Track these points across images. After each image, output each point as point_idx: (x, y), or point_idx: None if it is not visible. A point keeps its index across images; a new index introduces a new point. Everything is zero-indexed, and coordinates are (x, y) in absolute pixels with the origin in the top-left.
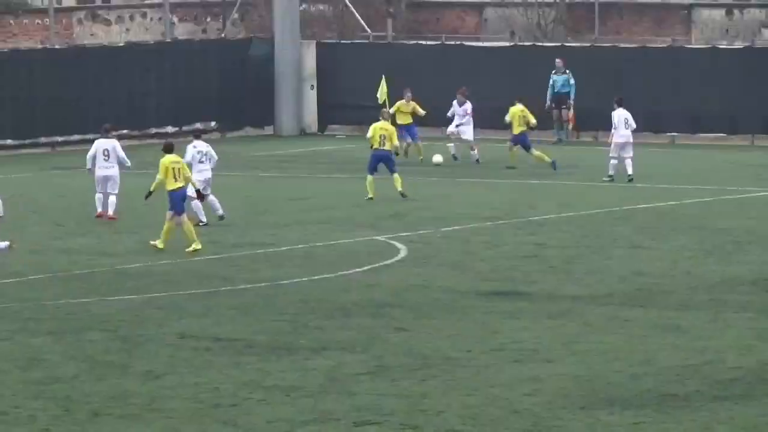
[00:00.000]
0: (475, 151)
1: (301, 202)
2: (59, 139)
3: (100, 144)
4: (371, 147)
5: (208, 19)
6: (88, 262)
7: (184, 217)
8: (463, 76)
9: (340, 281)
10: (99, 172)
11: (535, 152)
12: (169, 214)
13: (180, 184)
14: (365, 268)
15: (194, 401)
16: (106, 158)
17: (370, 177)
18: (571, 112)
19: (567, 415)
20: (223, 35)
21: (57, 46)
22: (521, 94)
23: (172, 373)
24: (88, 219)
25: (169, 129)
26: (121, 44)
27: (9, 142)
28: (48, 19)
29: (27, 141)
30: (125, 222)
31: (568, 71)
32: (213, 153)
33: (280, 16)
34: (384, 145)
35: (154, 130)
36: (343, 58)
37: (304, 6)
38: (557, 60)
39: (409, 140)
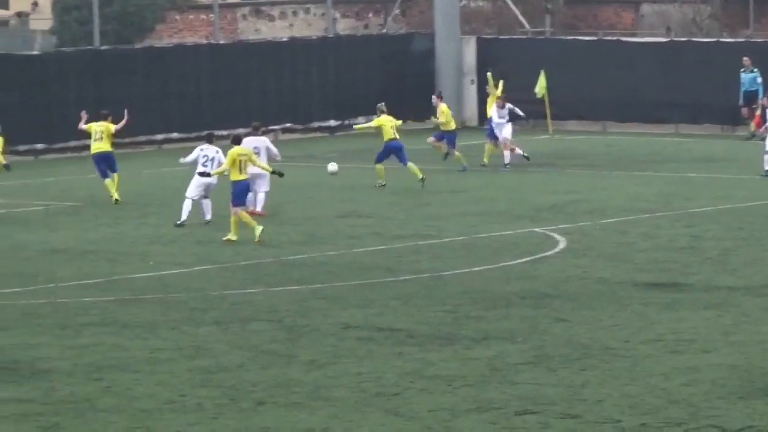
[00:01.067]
0: (514, 151)
1: (462, 194)
2: (224, 132)
3: (250, 142)
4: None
5: (370, 15)
6: (252, 253)
7: (242, 210)
8: (620, 72)
9: (500, 272)
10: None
11: (456, 153)
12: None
13: (244, 177)
14: (525, 259)
15: (357, 390)
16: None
17: (379, 165)
18: (758, 111)
19: (724, 404)
20: (384, 31)
21: (221, 42)
22: (677, 89)
23: (335, 362)
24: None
25: (332, 123)
26: (285, 39)
27: (175, 135)
28: (213, 15)
29: (192, 134)
30: (289, 213)
31: (755, 69)
32: (222, 158)
33: (441, 11)
34: (396, 136)
35: (317, 124)
36: (502, 53)
37: (464, 2)
38: (744, 58)
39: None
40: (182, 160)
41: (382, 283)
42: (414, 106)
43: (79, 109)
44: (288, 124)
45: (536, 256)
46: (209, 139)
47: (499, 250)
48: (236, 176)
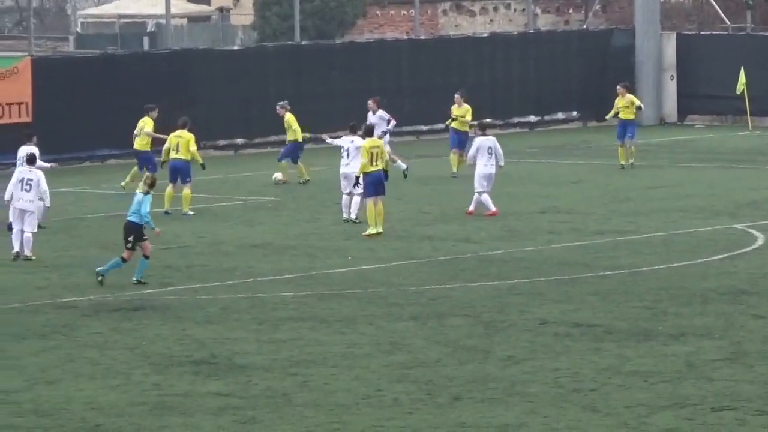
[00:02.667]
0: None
1: (661, 190)
2: (423, 128)
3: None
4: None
5: (570, 11)
6: (451, 248)
7: (377, 198)
8: None
9: (698, 268)
10: (484, 169)
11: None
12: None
13: (377, 168)
14: (723, 255)
15: (554, 386)
16: (490, 156)
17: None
18: None
19: None
20: (584, 26)
21: (422, 37)
22: None
23: (532, 358)
24: (452, 207)
25: (531, 118)
26: (485, 35)
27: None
28: (413, 11)
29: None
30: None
31: None
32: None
33: (641, 7)
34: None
35: (516, 119)
36: (702, 49)
37: None
38: None
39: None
40: (329, 140)
41: (579, 279)
42: (614, 101)
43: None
44: (487, 120)
45: (734, 253)
46: (354, 130)
47: (697, 246)
48: (368, 168)
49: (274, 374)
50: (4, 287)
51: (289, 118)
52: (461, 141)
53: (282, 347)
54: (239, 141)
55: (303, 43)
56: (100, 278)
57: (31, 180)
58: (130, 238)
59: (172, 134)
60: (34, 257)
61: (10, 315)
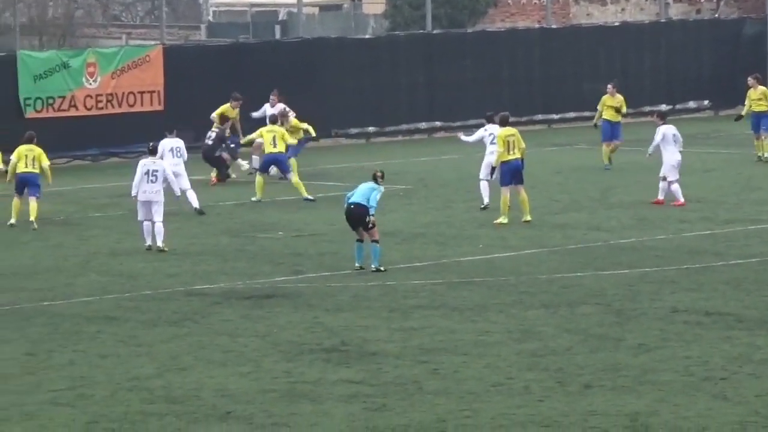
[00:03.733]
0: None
1: None
2: (555, 116)
3: None
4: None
5: (702, 0)
6: (582, 236)
7: (515, 187)
8: None
9: None
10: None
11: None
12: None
13: (514, 156)
14: None
15: (684, 374)
16: (676, 143)
17: None
18: None
19: None
20: (716, 15)
21: (553, 26)
22: None
23: (662, 346)
24: (583, 194)
25: (663, 107)
26: (616, 24)
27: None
28: (545, 0)
29: (524, 118)
30: (619, 197)
31: None
32: (184, 151)
33: None
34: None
35: (647, 108)
36: None
37: None
38: None
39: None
40: (463, 138)
41: (710, 268)
42: (745, 90)
43: (411, 93)
44: (663, 106)
45: None
46: (491, 120)
47: None
48: (505, 156)
49: (404, 362)
50: (136, 274)
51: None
52: (614, 132)
53: (413, 335)
54: (371, 129)
55: (434, 32)
56: (383, 269)
57: (156, 171)
58: (369, 218)
59: (22, 147)
60: (167, 249)
61: (141, 302)
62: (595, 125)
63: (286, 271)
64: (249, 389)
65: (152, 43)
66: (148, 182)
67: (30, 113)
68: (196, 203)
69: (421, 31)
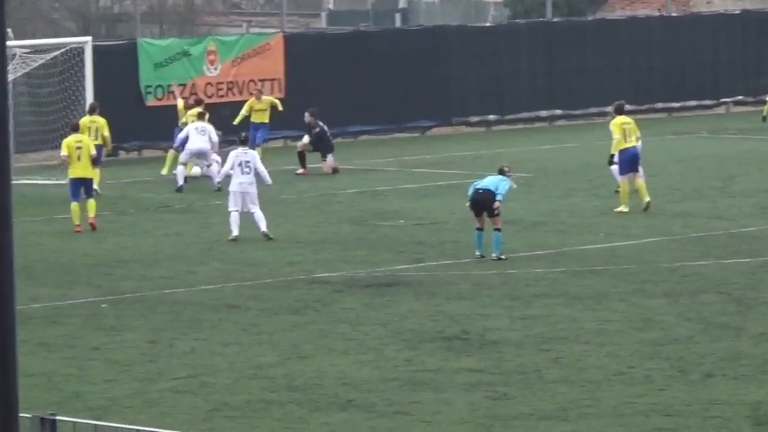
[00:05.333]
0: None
1: None
2: (675, 105)
3: None
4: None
5: None
6: (703, 225)
7: (635, 176)
8: None
9: None
10: None
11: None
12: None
13: (631, 144)
14: None
15: None
16: None
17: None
18: None
19: None
20: None
21: (674, 14)
22: None
23: None
24: (704, 183)
25: None
26: (737, 12)
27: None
28: None
29: (644, 106)
30: (740, 185)
31: None
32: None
33: None
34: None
35: None
36: None
37: None
38: None
39: None
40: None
41: None
42: None
43: (531, 81)
44: (740, 97)
45: None
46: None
47: None
48: (622, 144)
49: (526, 350)
50: (258, 262)
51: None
52: None
53: (534, 323)
54: (491, 117)
55: (554, 20)
56: (503, 257)
57: (248, 162)
58: (497, 204)
59: (71, 139)
60: (272, 236)
61: (263, 290)
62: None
63: (407, 260)
64: (370, 378)
65: (273, 30)
66: (242, 173)
67: (151, 101)
68: (264, 227)
69: (542, 19)
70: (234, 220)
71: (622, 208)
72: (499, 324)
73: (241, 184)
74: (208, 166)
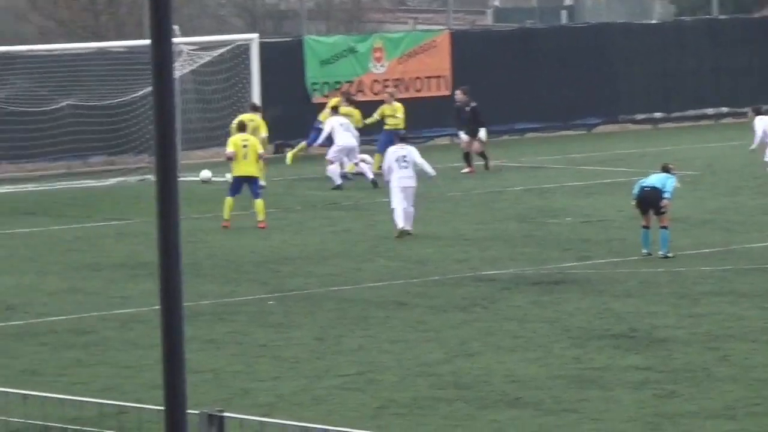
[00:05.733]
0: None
1: None
2: None
3: None
4: None
5: None
6: None
7: None
8: None
9: None
10: None
11: None
12: None
13: None
14: None
15: None
16: None
17: None
18: None
19: None
20: None
21: None
22: None
23: None
24: None
25: None
26: None
27: None
28: None
29: None
30: None
31: None
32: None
33: None
34: None
35: None
36: None
37: None
38: None
39: None
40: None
41: None
42: None
43: (697, 78)
44: None
45: None
46: (759, 112)
47: None
48: None
49: (693, 348)
50: (424, 259)
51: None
52: None
53: (702, 321)
54: (657, 115)
55: (720, 17)
56: (671, 255)
57: (405, 156)
58: (664, 202)
59: (237, 137)
60: (412, 232)
61: (430, 287)
62: None
63: (574, 257)
64: (538, 375)
65: (439, 28)
66: (400, 168)
67: (316, 98)
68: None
69: (707, 16)
70: (398, 214)
71: None
72: (667, 322)
73: (400, 179)
74: (356, 163)
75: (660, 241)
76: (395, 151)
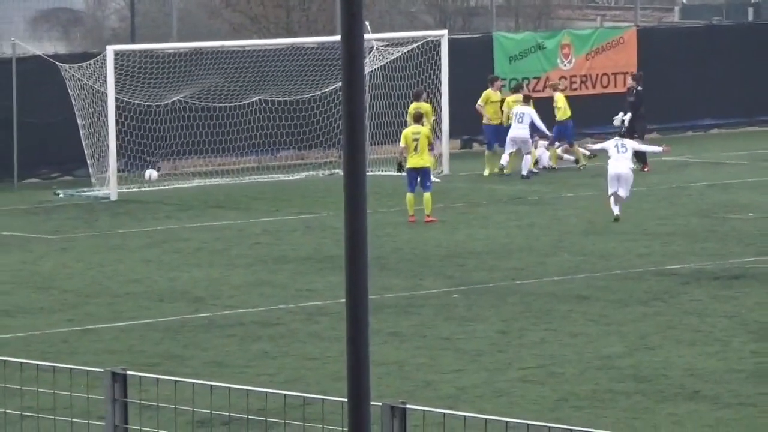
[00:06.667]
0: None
1: None
2: None
3: None
4: None
5: None
6: None
7: None
8: None
9: None
10: None
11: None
12: None
13: None
14: None
15: None
16: None
17: None
18: None
19: None
20: None
21: None
22: None
23: None
24: None
25: None
26: None
27: None
28: None
29: None
30: None
31: None
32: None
33: None
34: None
35: None
36: None
37: None
38: None
39: None
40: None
41: None
42: None
43: None
44: None
45: None
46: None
47: None
48: None
49: None
50: (608, 254)
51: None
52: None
53: None
54: None
55: None
56: None
57: (624, 144)
58: None
59: (408, 130)
60: (619, 218)
61: (612, 281)
62: None
63: (755, 252)
64: (716, 369)
65: (626, 24)
66: (618, 153)
67: (506, 93)
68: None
69: None
70: (612, 202)
71: None
72: None
73: (616, 166)
74: (527, 153)
75: None
76: (616, 140)
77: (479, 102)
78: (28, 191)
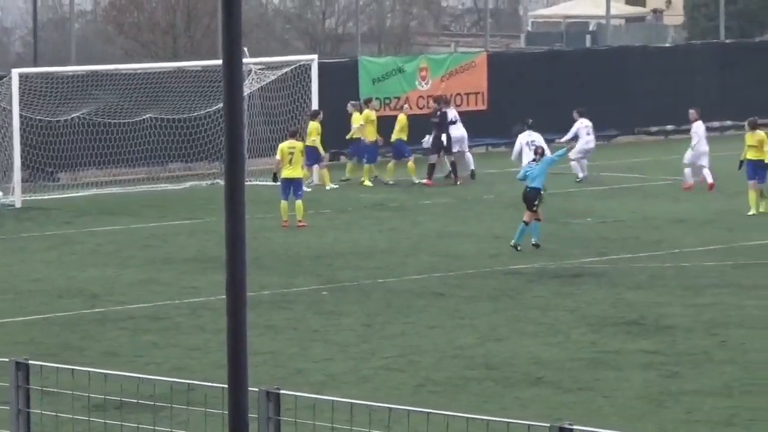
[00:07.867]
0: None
1: None
2: None
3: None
4: None
5: None
6: None
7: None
8: None
9: None
10: None
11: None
12: None
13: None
14: None
15: None
16: None
17: None
18: None
19: None
20: None
21: None
22: None
23: None
24: None
25: None
26: None
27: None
28: None
29: None
30: None
31: None
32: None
33: None
34: None
35: None
36: None
37: None
38: None
39: None
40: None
41: None
42: None
43: (705, 95)
44: None
45: None
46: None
47: None
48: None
49: (696, 334)
50: (461, 255)
51: (355, 117)
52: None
53: (704, 310)
54: (669, 128)
55: (727, 41)
56: (520, 248)
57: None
58: (535, 203)
59: (284, 144)
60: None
61: (465, 280)
62: None
63: (592, 253)
64: (558, 357)
65: (478, 50)
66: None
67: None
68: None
69: (716, 40)
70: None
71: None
72: (673, 311)
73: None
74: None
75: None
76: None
77: (360, 122)
78: None
